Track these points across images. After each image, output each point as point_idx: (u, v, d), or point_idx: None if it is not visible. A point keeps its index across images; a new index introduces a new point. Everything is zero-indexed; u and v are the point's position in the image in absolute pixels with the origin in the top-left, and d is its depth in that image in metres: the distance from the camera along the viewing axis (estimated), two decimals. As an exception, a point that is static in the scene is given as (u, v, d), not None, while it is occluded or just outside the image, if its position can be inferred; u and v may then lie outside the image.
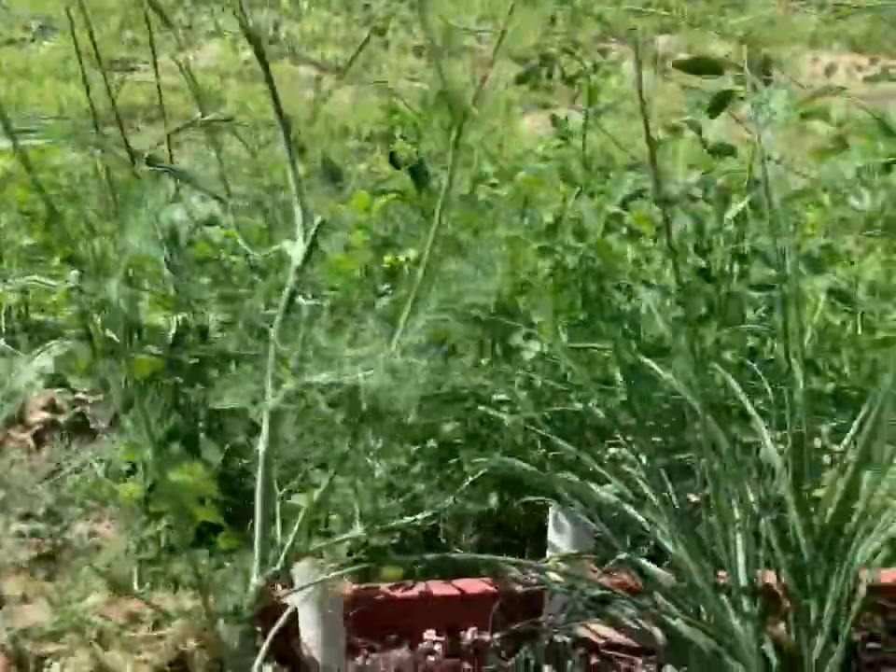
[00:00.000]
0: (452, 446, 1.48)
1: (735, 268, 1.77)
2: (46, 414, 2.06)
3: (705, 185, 1.71)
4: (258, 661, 1.16)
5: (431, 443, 1.47)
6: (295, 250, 0.85)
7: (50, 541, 1.69)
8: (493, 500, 1.45)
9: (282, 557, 1.10)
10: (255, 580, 1.09)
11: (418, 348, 0.91)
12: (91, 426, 2.03)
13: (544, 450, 1.50)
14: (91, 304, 1.78)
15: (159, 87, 1.71)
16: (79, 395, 2.11)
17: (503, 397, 1.63)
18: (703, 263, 1.75)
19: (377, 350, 0.89)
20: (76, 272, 1.73)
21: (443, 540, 1.42)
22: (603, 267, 1.78)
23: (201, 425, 1.77)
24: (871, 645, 1.30)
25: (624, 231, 1.81)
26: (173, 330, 1.73)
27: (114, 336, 1.78)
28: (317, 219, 0.88)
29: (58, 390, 2.10)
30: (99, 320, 1.82)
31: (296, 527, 1.10)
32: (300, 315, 0.88)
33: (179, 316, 1.73)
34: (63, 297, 1.72)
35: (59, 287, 1.75)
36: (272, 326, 0.88)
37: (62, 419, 2.04)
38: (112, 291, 1.62)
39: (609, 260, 1.75)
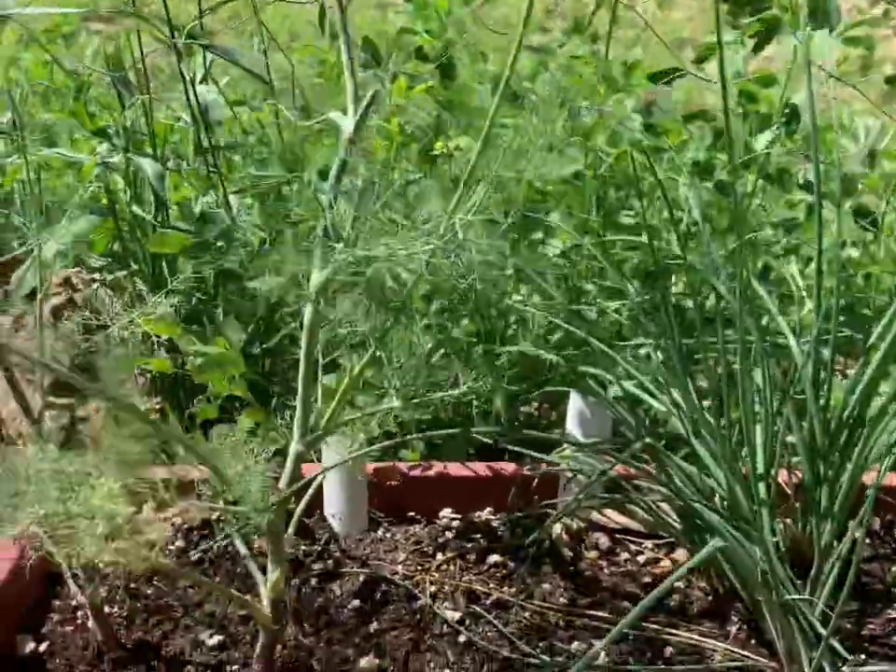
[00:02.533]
0: (476, 336, 1.51)
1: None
2: (62, 292, 2.07)
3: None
4: (289, 530, 1.20)
5: (456, 332, 1.51)
6: (346, 121, 0.86)
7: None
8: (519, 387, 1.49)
9: (323, 421, 1.13)
10: (294, 446, 1.12)
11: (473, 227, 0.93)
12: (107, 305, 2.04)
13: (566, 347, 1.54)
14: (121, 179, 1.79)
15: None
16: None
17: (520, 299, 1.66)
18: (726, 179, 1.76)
19: (436, 225, 0.90)
20: (106, 145, 1.73)
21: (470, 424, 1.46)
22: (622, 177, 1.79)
23: (220, 307, 1.79)
24: (867, 541, 1.37)
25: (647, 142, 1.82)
26: (199, 209, 1.74)
27: (141, 212, 1.79)
28: (371, 90, 0.88)
29: (73, 269, 2.11)
30: (126, 196, 1.83)
31: (336, 396, 1.13)
32: (353, 185, 0.89)
33: (208, 197, 1.74)
34: (89, 169, 1.71)
35: (86, 159, 1.75)
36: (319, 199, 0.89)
37: (78, 297, 2.05)
38: (146, 166, 1.63)
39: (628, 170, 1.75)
